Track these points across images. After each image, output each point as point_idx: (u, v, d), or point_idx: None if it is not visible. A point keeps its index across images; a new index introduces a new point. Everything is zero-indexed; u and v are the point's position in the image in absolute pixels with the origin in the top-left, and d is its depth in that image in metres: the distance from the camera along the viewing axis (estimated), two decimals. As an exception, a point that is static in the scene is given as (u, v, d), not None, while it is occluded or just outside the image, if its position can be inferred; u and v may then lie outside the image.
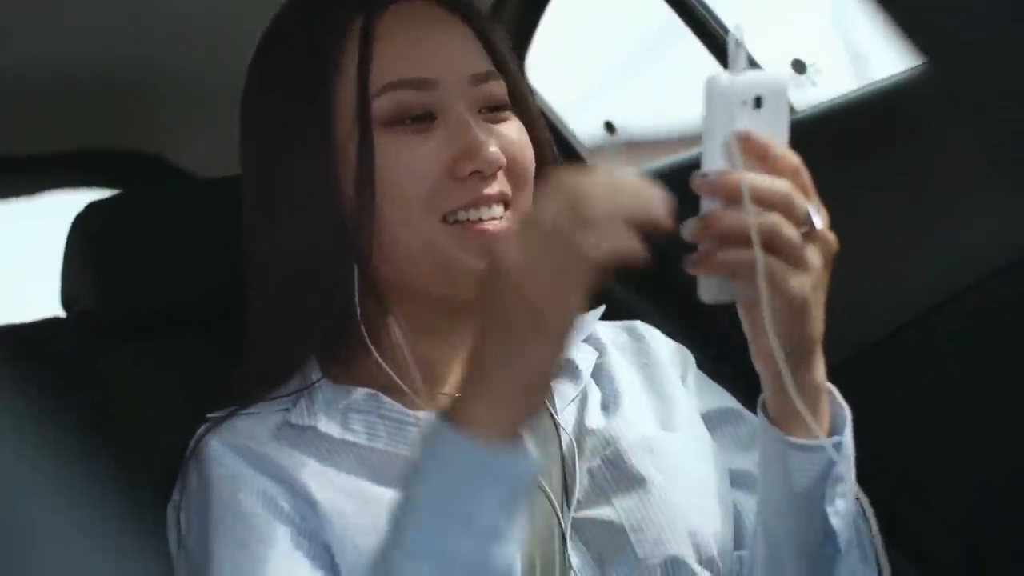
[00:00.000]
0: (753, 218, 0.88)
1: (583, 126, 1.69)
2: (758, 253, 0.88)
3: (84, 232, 1.28)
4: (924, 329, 1.42)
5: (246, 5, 1.13)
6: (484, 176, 1.04)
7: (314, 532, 0.99)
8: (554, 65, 1.66)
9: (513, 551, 0.86)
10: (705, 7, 1.49)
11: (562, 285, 0.83)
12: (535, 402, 0.88)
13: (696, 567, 1.03)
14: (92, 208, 1.29)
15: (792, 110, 1.47)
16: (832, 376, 0.99)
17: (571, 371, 1.13)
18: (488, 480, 0.85)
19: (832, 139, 1.39)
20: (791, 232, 0.89)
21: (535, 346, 0.85)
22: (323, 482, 1.01)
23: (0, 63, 1.37)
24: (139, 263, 1.27)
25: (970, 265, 1.38)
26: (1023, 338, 1.37)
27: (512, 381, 0.85)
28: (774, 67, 0.93)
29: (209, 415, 1.07)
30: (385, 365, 1.05)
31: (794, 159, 0.91)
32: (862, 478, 0.99)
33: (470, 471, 0.85)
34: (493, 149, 1.03)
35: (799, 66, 1.47)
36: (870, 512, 0.94)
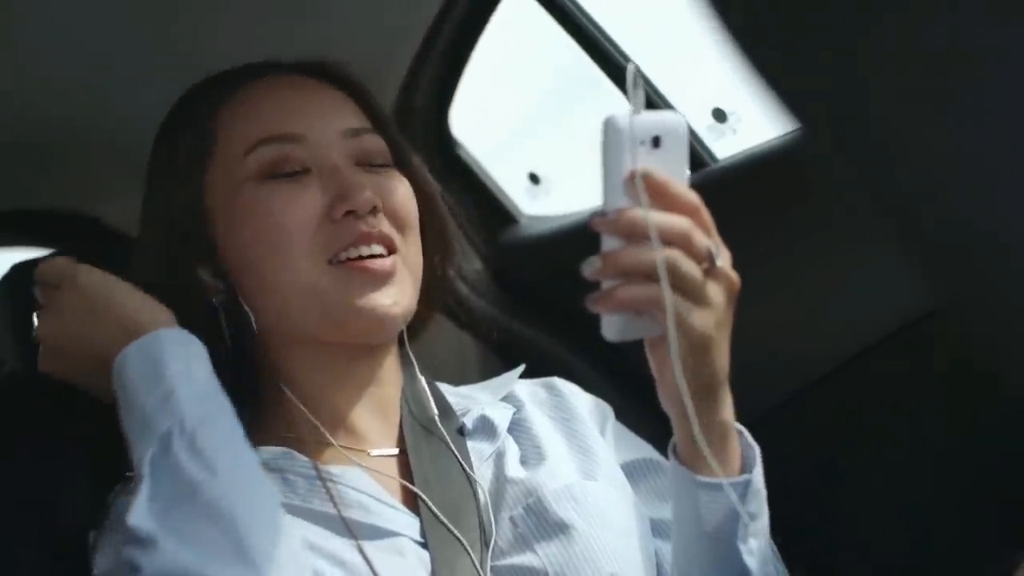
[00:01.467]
0: (659, 248, 0.88)
1: (504, 173, 1.71)
2: (664, 283, 0.88)
3: (11, 292, 1.27)
4: (840, 380, 1.45)
5: (180, 70, 1.15)
6: (360, 215, 1.07)
7: None
8: (473, 115, 1.68)
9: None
10: (616, 47, 1.52)
11: None
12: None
13: None
14: (18, 268, 1.28)
15: (712, 159, 1.50)
16: (752, 427, 1.00)
17: (487, 429, 1.14)
18: (168, 345, 1.01)
19: (743, 191, 1.42)
20: (691, 268, 0.90)
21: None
22: None
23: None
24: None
25: (880, 318, 1.41)
26: (928, 388, 1.40)
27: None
28: (672, 109, 0.94)
29: (127, 474, 1.07)
30: (307, 412, 1.08)
31: (693, 197, 0.91)
32: (784, 518, 1.01)
33: (154, 349, 1.01)
34: (366, 191, 1.07)
35: (719, 115, 1.49)
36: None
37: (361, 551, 1.01)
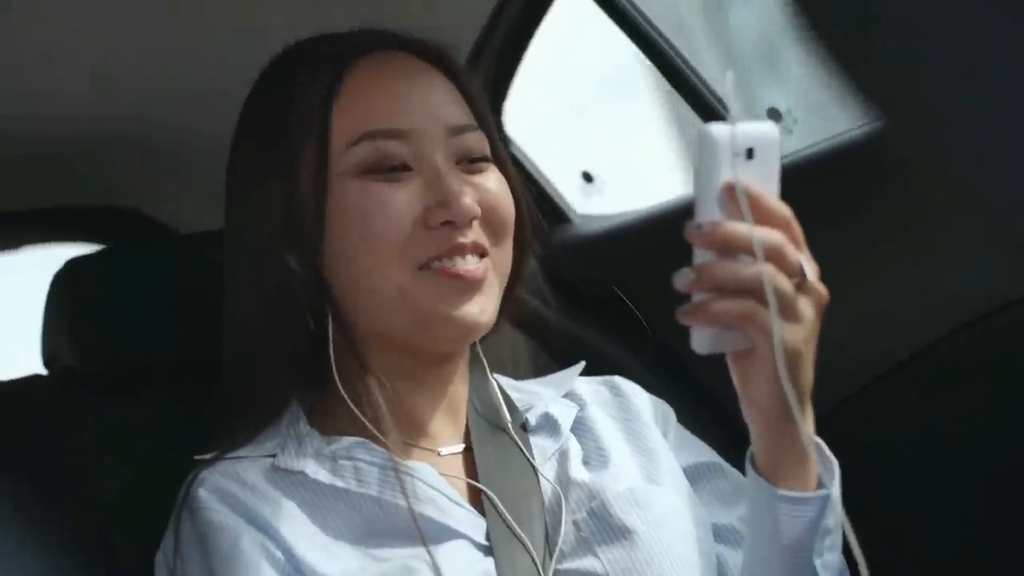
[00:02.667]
0: (763, 262, 0.88)
1: (555, 171, 1.70)
2: (771, 297, 0.88)
3: (65, 288, 1.27)
4: (902, 378, 1.43)
5: (226, 64, 1.15)
6: (457, 226, 1.04)
7: None
8: (518, 104, 1.67)
9: None
10: (683, 59, 1.50)
11: None
12: None
13: None
14: (73, 264, 1.29)
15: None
16: (816, 425, 0.99)
17: (551, 427, 1.13)
18: None
19: (806, 188, 1.40)
20: (784, 283, 0.90)
21: None
22: (312, 544, 1.02)
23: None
24: (121, 319, 1.27)
25: (946, 314, 1.39)
26: (998, 385, 1.38)
27: None
28: (764, 120, 0.93)
29: (197, 457, 1.07)
30: (363, 417, 1.06)
31: (786, 211, 0.91)
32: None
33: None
34: (467, 200, 1.04)
35: (775, 114, 1.48)
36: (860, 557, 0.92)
37: (430, 554, 1.00)
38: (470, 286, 1.05)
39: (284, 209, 1.06)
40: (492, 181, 1.09)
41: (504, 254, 1.09)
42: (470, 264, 1.05)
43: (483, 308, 1.06)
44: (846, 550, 0.94)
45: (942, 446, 1.42)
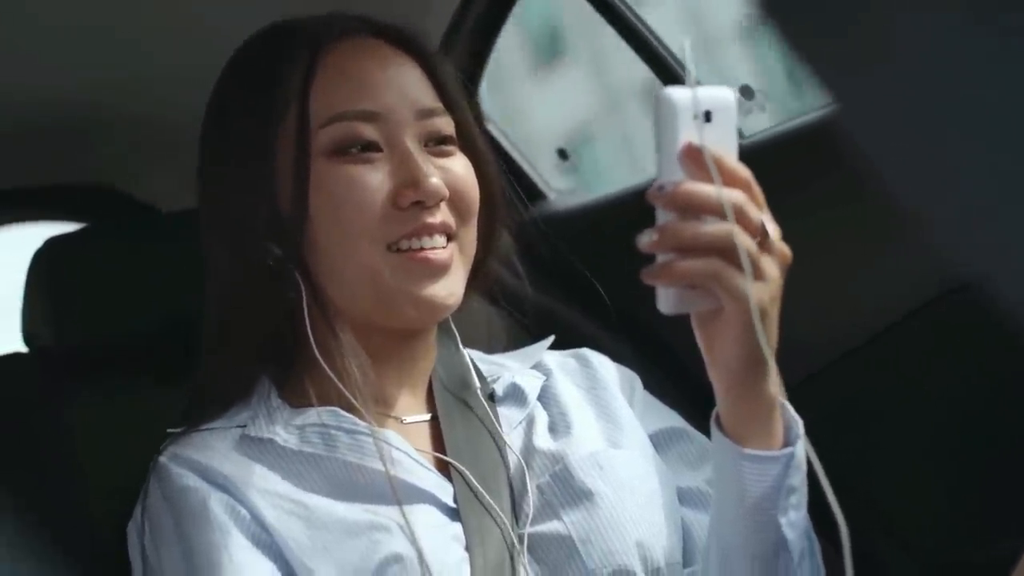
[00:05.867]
0: (732, 219, 0.89)
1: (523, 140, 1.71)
2: (743, 254, 0.89)
3: (45, 267, 1.28)
4: (873, 353, 1.44)
5: (206, 41, 1.16)
6: (426, 206, 1.07)
7: (276, 549, 1.03)
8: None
9: None
10: (643, 23, 1.51)
11: None
12: None
13: None
14: (53, 243, 1.30)
15: (740, 135, 1.50)
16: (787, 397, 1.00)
17: (517, 396, 1.16)
18: None
19: (777, 165, 1.42)
20: (748, 242, 0.91)
21: None
22: (280, 506, 1.04)
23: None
24: (101, 298, 1.28)
25: (913, 290, 1.41)
26: (967, 360, 1.40)
27: None
28: (721, 85, 0.94)
29: (170, 430, 1.10)
30: (339, 383, 1.07)
31: (746, 172, 0.93)
32: (817, 499, 1.01)
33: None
34: (435, 180, 1.07)
35: (747, 92, 1.49)
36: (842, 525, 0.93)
37: (402, 512, 1.03)
38: (439, 269, 1.08)
39: (264, 192, 1.09)
40: (458, 165, 1.12)
41: (470, 235, 1.11)
42: (438, 246, 1.08)
43: (450, 291, 1.09)
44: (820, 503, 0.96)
45: (911, 418, 1.44)
